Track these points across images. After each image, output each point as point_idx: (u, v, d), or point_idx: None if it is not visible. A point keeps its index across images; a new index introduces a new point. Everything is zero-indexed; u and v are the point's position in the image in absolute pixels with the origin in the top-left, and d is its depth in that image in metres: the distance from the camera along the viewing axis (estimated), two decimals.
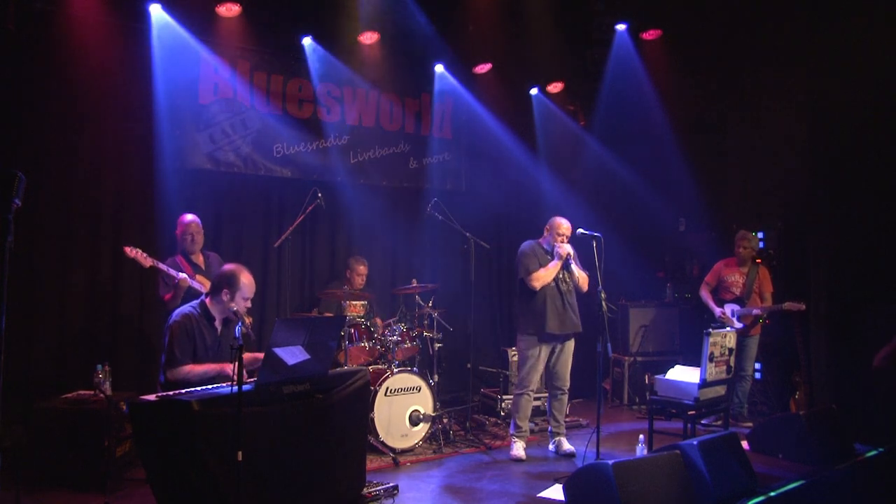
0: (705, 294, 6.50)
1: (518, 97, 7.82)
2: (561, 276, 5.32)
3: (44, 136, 5.34)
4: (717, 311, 6.36)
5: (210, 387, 3.51)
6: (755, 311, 6.23)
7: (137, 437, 3.35)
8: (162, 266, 4.83)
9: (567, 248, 5.26)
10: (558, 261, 5.27)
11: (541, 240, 5.45)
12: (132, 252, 4.74)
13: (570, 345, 5.43)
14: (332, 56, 6.54)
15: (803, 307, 6.05)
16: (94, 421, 4.36)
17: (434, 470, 5.01)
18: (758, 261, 6.66)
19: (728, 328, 5.37)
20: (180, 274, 4.83)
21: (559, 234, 5.29)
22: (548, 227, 5.39)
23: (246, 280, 3.92)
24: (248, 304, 4.01)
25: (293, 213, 5.93)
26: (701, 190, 7.56)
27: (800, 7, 6.67)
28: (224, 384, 3.61)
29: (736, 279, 6.40)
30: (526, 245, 5.43)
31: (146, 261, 4.77)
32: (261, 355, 3.65)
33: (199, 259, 5.16)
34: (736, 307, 6.32)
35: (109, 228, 5.64)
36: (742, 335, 6.10)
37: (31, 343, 5.25)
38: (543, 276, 5.24)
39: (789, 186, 6.98)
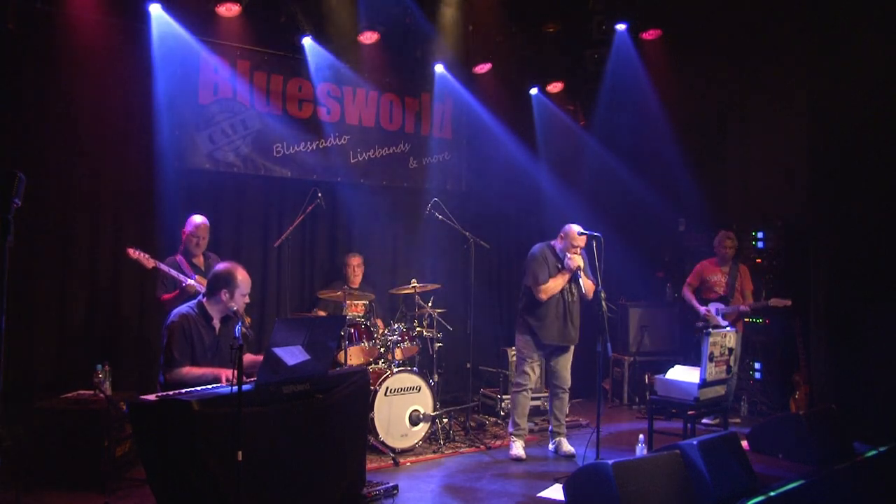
0: (688, 294, 6.57)
1: (518, 97, 7.81)
2: (567, 287, 5.30)
3: (44, 136, 5.33)
4: (702, 309, 6.40)
5: (210, 387, 3.51)
6: (741, 309, 6.28)
7: (137, 437, 3.35)
8: (164, 267, 4.82)
9: (578, 261, 5.21)
10: (567, 273, 5.25)
11: (553, 242, 5.38)
12: (135, 253, 4.73)
13: (570, 347, 5.43)
14: (332, 56, 6.53)
15: (789, 303, 6.10)
16: (94, 421, 4.36)
17: (434, 470, 5.01)
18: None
19: (729, 328, 5.38)
20: (188, 279, 4.81)
21: (573, 246, 5.22)
22: (563, 234, 5.30)
23: (242, 277, 3.91)
24: (247, 300, 4.01)
25: (293, 213, 5.93)
26: (701, 190, 7.56)
27: (800, 7, 6.67)
28: (224, 384, 3.61)
29: (718, 279, 6.44)
30: (537, 250, 5.36)
31: (149, 262, 4.76)
32: (259, 358, 3.65)
33: (200, 260, 5.15)
34: (720, 306, 6.35)
35: (109, 228, 5.63)
36: None
37: (31, 343, 5.24)
38: (551, 289, 5.22)
39: (789, 186, 6.98)
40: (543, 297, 5.22)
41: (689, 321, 6.78)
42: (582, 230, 5.14)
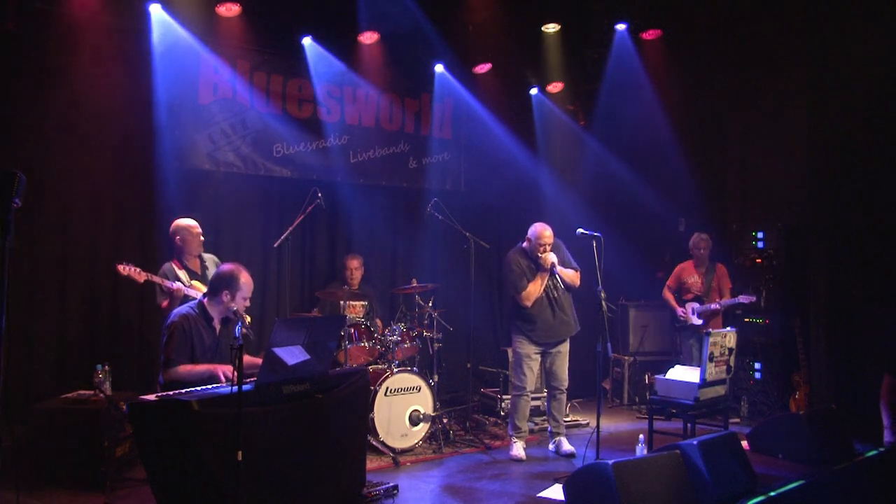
0: (667, 295, 6.75)
1: (518, 97, 7.81)
2: (550, 283, 5.31)
3: (44, 135, 5.34)
4: (679, 310, 6.60)
5: (210, 387, 3.51)
6: (713, 307, 6.45)
7: (137, 437, 3.35)
8: (156, 279, 4.77)
9: (551, 258, 5.23)
10: (544, 273, 5.27)
11: (524, 246, 5.39)
12: (125, 269, 4.63)
13: (566, 345, 5.44)
14: (332, 56, 6.53)
15: (754, 299, 6.36)
16: (94, 421, 4.36)
17: (434, 470, 5.01)
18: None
19: (729, 328, 5.38)
20: (174, 284, 4.79)
21: (541, 245, 5.24)
22: (529, 236, 5.34)
23: (245, 279, 3.92)
24: (248, 303, 4.01)
25: (293, 213, 5.93)
26: (701, 190, 7.56)
27: (800, 7, 6.67)
28: (224, 384, 3.61)
29: (695, 280, 6.63)
30: (511, 257, 5.38)
31: (140, 276, 4.67)
32: (258, 361, 3.65)
33: (195, 264, 5.10)
34: (696, 305, 6.52)
35: (109, 228, 5.64)
36: (703, 331, 6.14)
37: (31, 343, 5.25)
38: (533, 293, 5.25)
39: (789, 186, 6.98)
40: (528, 303, 5.24)
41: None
42: (583, 230, 5.12)
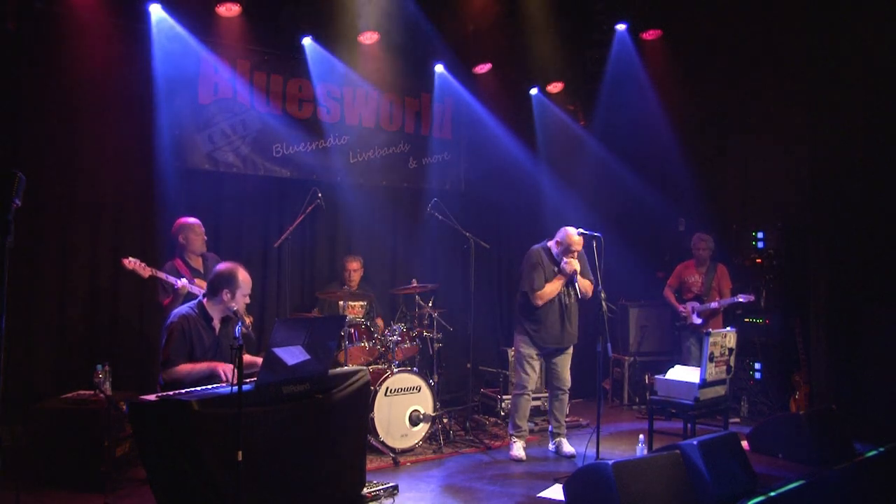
0: (668, 294, 6.81)
1: (518, 97, 7.81)
2: (565, 290, 5.29)
3: (44, 136, 5.34)
4: (680, 308, 6.65)
5: (210, 387, 3.51)
6: (713, 306, 6.49)
7: (137, 437, 3.35)
8: (161, 274, 4.78)
9: (574, 265, 5.20)
10: (564, 277, 5.24)
11: (550, 244, 5.34)
12: (130, 264, 4.67)
13: (569, 348, 5.43)
14: (332, 56, 6.53)
15: (752, 298, 6.38)
16: (94, 421, 4.36)
17: (434, 470, 5.01)
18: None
19: (729, 328, 5.39)
20: (179, 281, 4.80)
21: (571, 250, 5.19)
22: (559, 239, 5.26)
23: (243, 277, 3.93)
24: (247, 300, 4.01)
25: (293, 213, 5.93)
26: (701, 190, 7.56)
27: (800, 7, 6.67)
28: (223, 384, 3.61)
29: (695, 279, 6.68)
30: (533, 253, 5.33)
31: (145, 271, 4.71)
32: (258, 360, 3.65)
33: (198, 262, 5.12)
34: (696, 304, 6.56)
35: (109, 229, 5.63)
36: (703, 331, 6.15)
37: (31, 343, 5.25)
38: (548, 294, 5.21)
39: (789, 186, 6.99)
40: (540, 302, 5.21)
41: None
42: (583, 230, 5.13)
